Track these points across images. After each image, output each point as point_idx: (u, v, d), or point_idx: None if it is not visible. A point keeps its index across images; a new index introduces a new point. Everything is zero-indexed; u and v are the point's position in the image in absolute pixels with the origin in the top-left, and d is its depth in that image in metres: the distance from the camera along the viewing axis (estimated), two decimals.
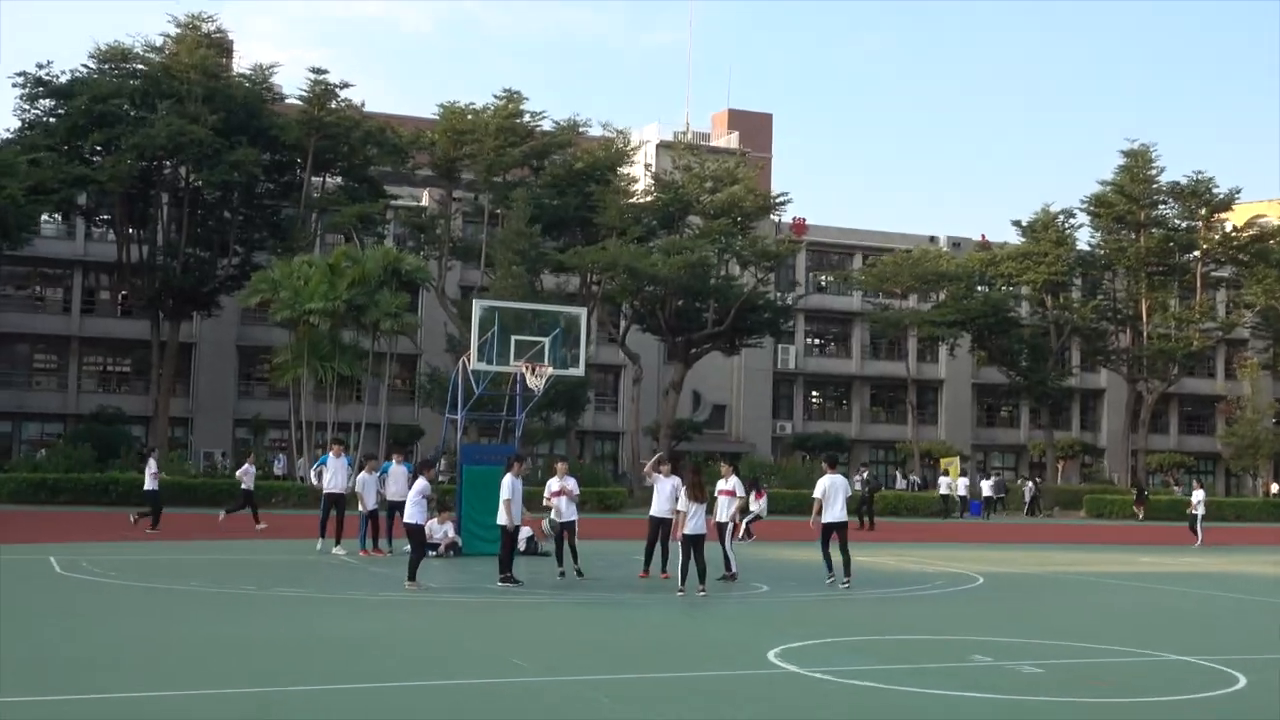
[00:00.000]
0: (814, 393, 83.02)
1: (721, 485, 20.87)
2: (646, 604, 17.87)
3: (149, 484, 29.94)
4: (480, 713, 9.95)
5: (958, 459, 61.79)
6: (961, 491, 55.24)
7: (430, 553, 23.74)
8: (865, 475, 38.95)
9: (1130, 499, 59.06)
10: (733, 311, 60.36)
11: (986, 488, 55.62)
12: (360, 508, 25.21)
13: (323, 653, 12.63)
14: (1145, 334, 72.35)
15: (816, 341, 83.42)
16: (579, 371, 26.74)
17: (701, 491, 18.87)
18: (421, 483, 19.27)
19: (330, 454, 25.42)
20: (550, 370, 25.30)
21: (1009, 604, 19.57)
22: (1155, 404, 74.69)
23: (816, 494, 21.01)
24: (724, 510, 20.65)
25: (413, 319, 55.05)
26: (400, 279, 52.02)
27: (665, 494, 20.95)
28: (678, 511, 19.11)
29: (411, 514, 19.01)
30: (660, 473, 21.18)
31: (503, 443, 32.25)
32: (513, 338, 25.32)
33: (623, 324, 65.09)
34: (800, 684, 11.44)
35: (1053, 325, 71.99)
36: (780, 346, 77.57)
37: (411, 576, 18.69)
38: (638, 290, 59.17)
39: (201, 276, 57.92)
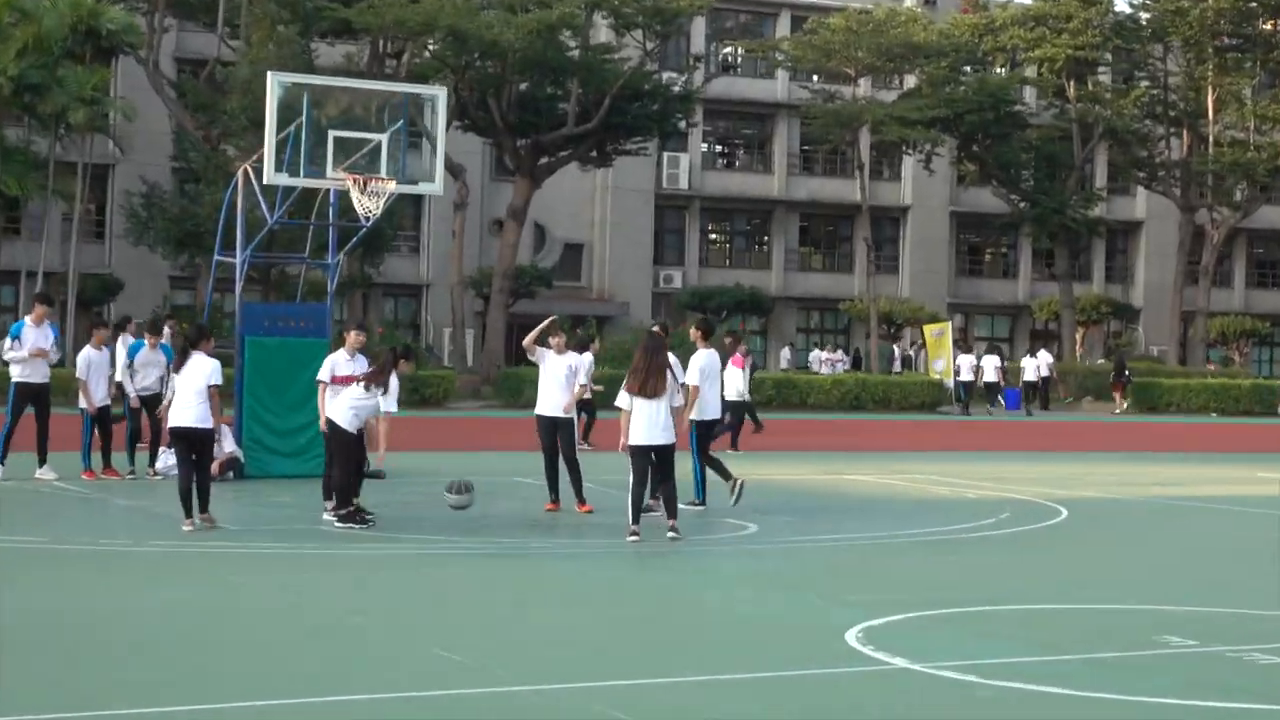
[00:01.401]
0: (715, 226, 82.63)
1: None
2: (592, 555, 17.66)
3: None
4: None
5: (948, 326, 61.88)
6: (991, 376, 55.41)
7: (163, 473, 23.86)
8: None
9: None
10: (606, 101, 59.40)
11: (1030, 369, 55.84)
12: (82, 403, 24.31)
13: (139, 642, 11.78)
14: (1210, 139, 73.21)
15: (720, 149, 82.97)
16: (434, 187, 26.17)
17: (660, 380, 18.13)
18: (208, 365, 18.60)
19: (26, 320, 24.59)
20: (392, 186, 24.47)
21: (1133, 550, 19.65)
22: (1221, 244, 75.83)
23: (693, 378, 20.98)
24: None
25: (120, 106, 53.31)
26: (98, 46, 50.14)
27: (560, 381, 20.68)
28: (622, 410, 18.44)
29: (201, 415, 18.47)
30: (550, 347, 20.84)
31: (302, 300, 31.31)
32: (331, 134, 24.40)
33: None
34: (939, 689, 10.94)
35: (1075, 125, 72.45)
36: (667, 156, 77.01)
37: (203, 510, 18.56)
38: (463, 68, 57.87)
39: None
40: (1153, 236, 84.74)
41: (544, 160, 62.21)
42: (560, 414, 20.65)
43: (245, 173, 25.45)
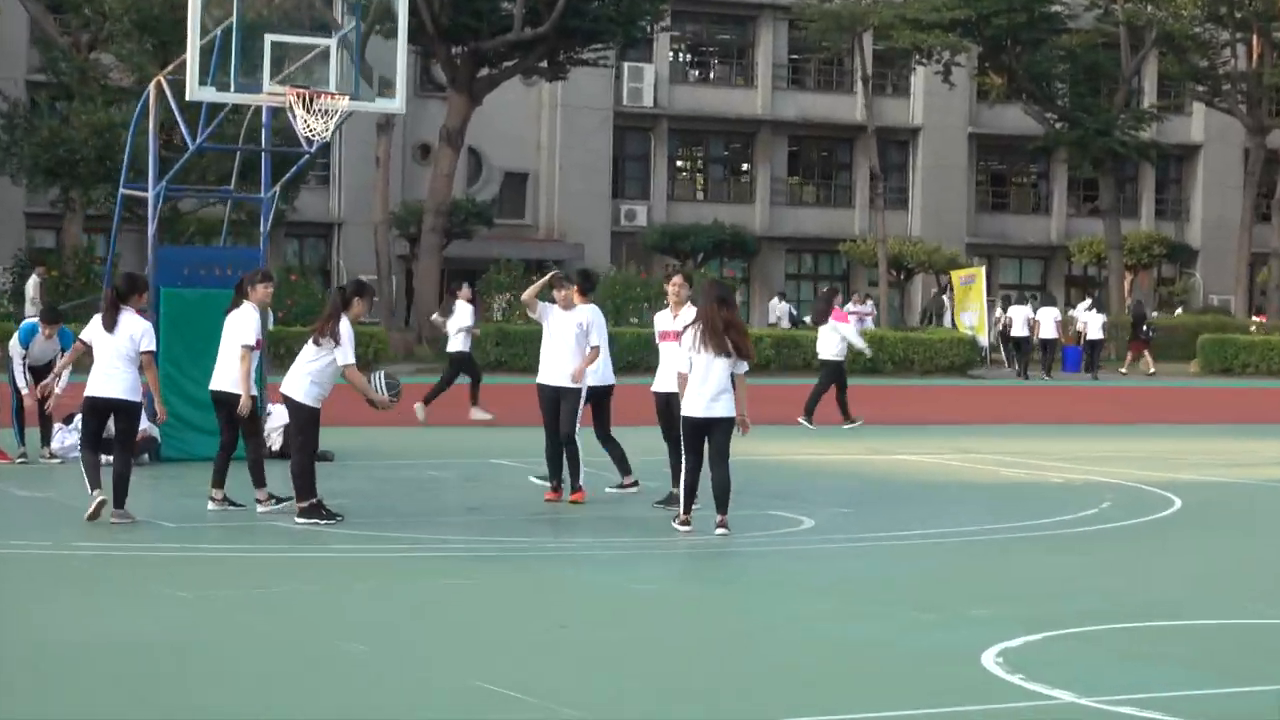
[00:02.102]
0: (686, 151, 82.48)
1: (664, 324, 20.83)
2: (626, 559, 17.58)
3: None
4: None
5: (980, 272, 61.61)
6: (1050, 332, 55.21)
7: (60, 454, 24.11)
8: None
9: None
10: (561, 0, 58.92)
11: (1095, 325, 55.78)
12: None
13: (92, 683, 11.33)
14: None
15: (691, 58, 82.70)
16: (395, 104, 26.07)
17: (744, 339, 18.28)
18: (141, 327, 18.61)
19: None
20: (345, 102, 24.12)
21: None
22: None
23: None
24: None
25: None
26: None
27: (569, 344, 20.73)
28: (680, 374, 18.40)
29: (131, 385, 18.60)
30: (557, 301, 20.88)
31: (225, 243, 31.04)
32: (267, 39, 24.03)
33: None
34: None
35: (1123, 29, 72.28)
36: (628, 67, 76.77)
37: (119, 504, 18.58)
38: None
39: None
40: (1213, 163, 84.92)
41: (484, 72, 61.73)
42: (568, 383, 20.60)
43: (159, 86, 25.09)
